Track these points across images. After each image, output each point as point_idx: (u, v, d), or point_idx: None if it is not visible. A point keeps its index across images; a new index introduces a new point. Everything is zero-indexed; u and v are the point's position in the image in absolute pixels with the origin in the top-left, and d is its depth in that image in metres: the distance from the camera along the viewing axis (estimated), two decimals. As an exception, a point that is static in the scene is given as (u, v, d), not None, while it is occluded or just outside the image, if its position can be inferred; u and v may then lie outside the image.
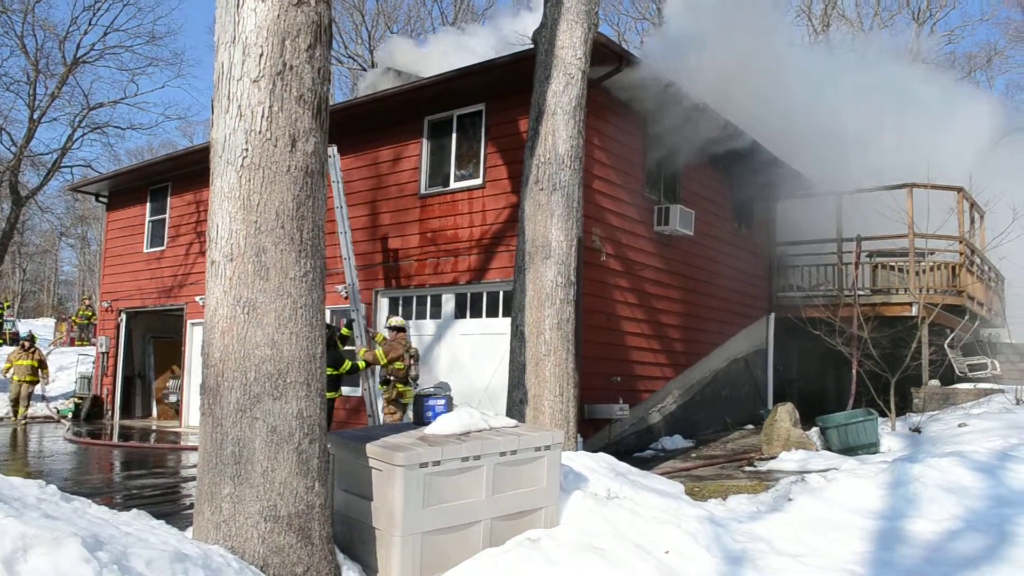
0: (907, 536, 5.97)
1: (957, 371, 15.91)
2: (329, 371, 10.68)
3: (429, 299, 13.28)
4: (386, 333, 11.60)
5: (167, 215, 18.36)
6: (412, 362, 11.14)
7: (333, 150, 12.73)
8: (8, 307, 36.08)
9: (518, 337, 8.28)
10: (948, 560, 5.47)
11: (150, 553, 3.63)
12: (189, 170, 16.89)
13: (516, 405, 8.13)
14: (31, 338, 18.50)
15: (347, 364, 10.68)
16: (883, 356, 12.95)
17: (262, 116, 4.69)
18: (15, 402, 17.74)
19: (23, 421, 17.57)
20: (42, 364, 18.15)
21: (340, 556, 4.92)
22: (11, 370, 17.74)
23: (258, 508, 4.52)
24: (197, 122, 56.76)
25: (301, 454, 4.65)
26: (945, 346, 15.78)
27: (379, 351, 10.97)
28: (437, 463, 4.97)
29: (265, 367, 4.61)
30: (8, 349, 26.26)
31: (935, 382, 15.06)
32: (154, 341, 19.90)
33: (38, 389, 18.58)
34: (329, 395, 10.39)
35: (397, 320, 11.51)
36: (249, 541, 4.50)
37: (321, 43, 4.90)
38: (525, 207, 8.42)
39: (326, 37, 4.96)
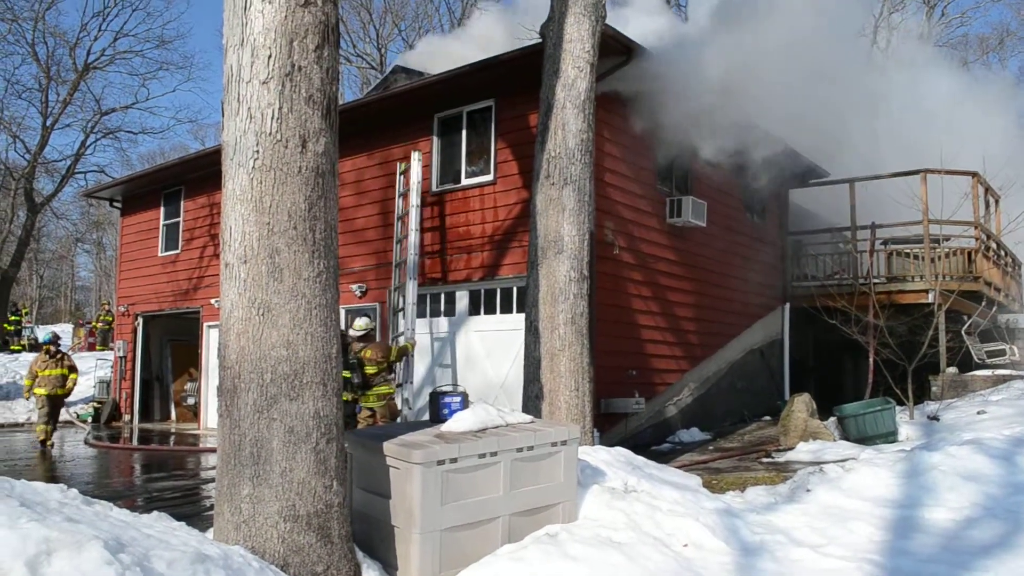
0: (925, 524, 5.95)
1: (975, 358, 15.80)
2: (345, 374, 10.60)
3: (443, 296, 13.30)
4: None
5: (181, 218, 18.46)
6: (352, 372, 10.28)
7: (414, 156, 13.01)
8: (27, 313, 36.41)
9: (532, 333, 8.28)
10: (966, 548, 5.45)
11: (171, 554, 3.66)
12: (202, 173, 16.97)
13: (532, 401, 8.14)
14: (56, 340, 14.65)
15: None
16: (900, 344, 12.88)
17: (272, 118, 4.71)
18: (47, 418, 13.94)
19: (50, 441, 14.05)
20: (72, 370, 14.41)
21: (360, 554, 4.94)
22: (37, 382, 13.99)
23: (277, 508, 4.55)
24: (208, 125, 56.99)
25: (319, 454, 4.68)
26: (962, 333, 15.67)
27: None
28: (454, 460, 4.98)
29: (281, 368, 4.63)
30: (29, 356, 26.49)
31: (952, 369, 14.96)
32: (171, 344, 20.02)
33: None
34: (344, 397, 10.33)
35: (359, 324, 10.75)
36: (269, 541, 4.53)
37: (329, 43, 4.91)
38: (536, 202, 8.42)
39: (334, 37, 4.97)
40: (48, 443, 13.88)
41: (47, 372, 14.01)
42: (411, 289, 12.46)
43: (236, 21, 4.82)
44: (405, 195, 13.03)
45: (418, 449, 4.87)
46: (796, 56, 11.93)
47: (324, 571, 4.62)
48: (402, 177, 13.19)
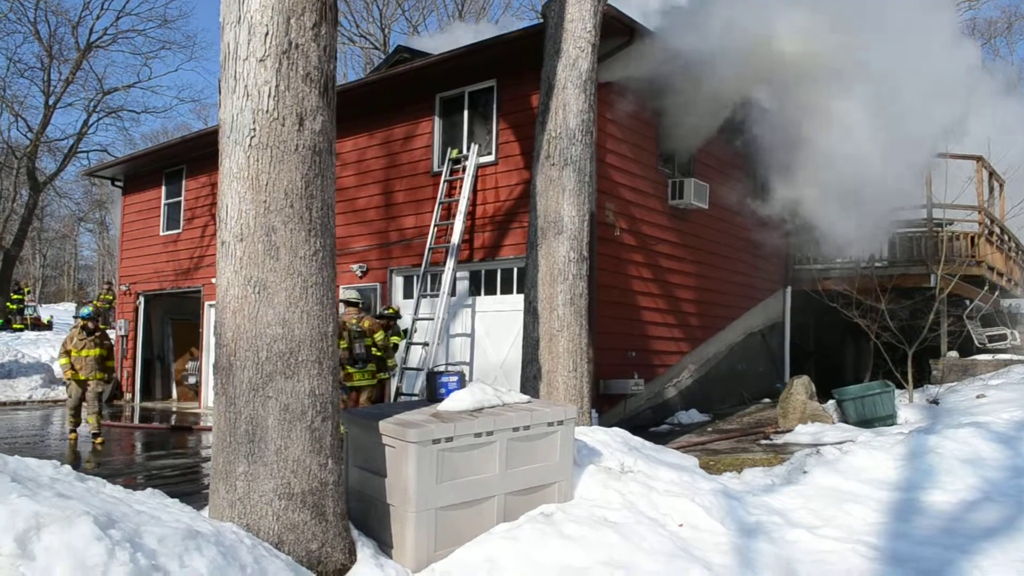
0: (923, 507, 5.96)
1: (976, 342, 15.78)
2: (342, 344, 10.43)
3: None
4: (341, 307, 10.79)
5: (182, 198, 18.43)
6: (354, 342, 10.03)
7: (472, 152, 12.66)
8: (29, 292, 36.46)
9: (531, 313, 8.27)
10: (965, 531, 5.45)
11: (162, 530, 3.66)
12: (203, 152, 16.91)
13: (530, 381, 8.14)
14: (96, 316, 12.45)
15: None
16: (901, 328, 12.85)
17: (269, 95, 4.68)
18: (76, 410, 12.06)
19: (97, 435, 11.75)
20: (111, 353, 12.33)
21: (355, 532, 4.96)
22: (72, 364, 11.85)
23: (272, 486, 4.56)
24: (211, 104, 56.83)
25: (314, 432, 4.68)
26: (964, 317, 15.64)
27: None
28: (450, 439, 4.99)
29: (277, 346, 4.62)
30: (31, 334, 26.51)
31: (953, 353, 14.95)
32: (172, 323, 20.04)
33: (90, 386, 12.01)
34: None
35: (348, 293, 10.59)
36: (264, 518, 4.54)
37: (327, 21, 4.87)
38: (537, 183, 8.38)
39: (331, 15, 4.93)
40: (98, 439, 11.69)
41: (84, 352, 11.87)
42: (449, 277, 12.28)
43: (233, -2, 4.78)
44: (452, 182, 12.85)
45: (413, 428, 4.87)
46: (800, 31, 11.83)
47: (319, 549, 4.63)
48: (451, 163, 12.93)
